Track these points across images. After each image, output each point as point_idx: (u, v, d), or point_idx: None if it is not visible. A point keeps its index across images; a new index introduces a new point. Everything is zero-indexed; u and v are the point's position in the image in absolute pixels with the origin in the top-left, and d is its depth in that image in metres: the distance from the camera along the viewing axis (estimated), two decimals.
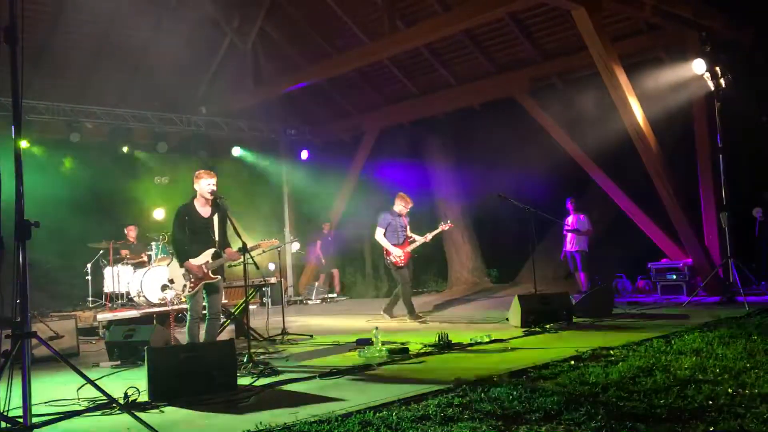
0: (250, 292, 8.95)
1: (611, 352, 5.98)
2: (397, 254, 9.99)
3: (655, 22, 11.00)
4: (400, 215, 10.23)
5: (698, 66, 9.89)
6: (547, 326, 7.99)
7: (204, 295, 6.80)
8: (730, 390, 4.27)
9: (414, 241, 10.26)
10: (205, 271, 6.73)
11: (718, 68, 9.70)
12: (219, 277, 6.85)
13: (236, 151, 14.83)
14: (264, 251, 7.46)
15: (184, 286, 6.71)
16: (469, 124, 14.97)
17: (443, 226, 10.38)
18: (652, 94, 10.80)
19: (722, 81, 9.69)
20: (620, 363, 5.43)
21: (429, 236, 10.30)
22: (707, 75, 9.79)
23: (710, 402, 4.02)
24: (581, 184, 13.18)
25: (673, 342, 6.40)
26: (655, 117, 10.84)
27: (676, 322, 7.89)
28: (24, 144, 11.27)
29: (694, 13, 10.75)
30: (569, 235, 12.27)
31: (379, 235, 10.12)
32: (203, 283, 6.73)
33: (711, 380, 4.59)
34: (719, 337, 6.37)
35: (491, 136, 13.96)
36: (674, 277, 11.08)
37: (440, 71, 14.22)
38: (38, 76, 12.38)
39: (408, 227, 10.31)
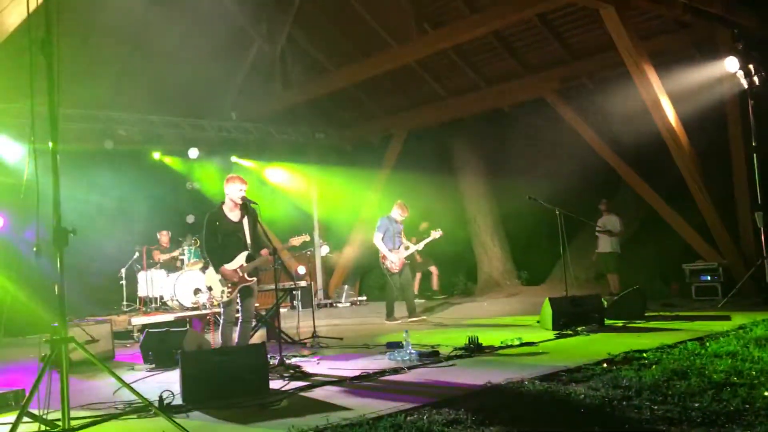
0: (281, 295, 9.03)
1: (644, 354, 5.91)
2: (392, 259, 10.45)
3: (686, 19, 10.84)
4: (396, 222, 10.66)
5: (731, 64, 9.75)
6: (579, 329, 7.93)
7: (238, 299, 6.89)
8: (766, 393, 4.20)
9: (408, 247, 10.70)
10: (241, 274, 6.81)
11: (751, 66, 9.54)
12: (255, 279, 6.93)
13: (265, 156, 14.96)
14: (295, 247, 7.51)
15: (223, 291, 6.80)
16: (498, 126, 14.91)
17: (435, 234, 10.83)
18: (683, 93, 10.65)
19: (755, 78, 9.52)
20: (653, 366, 5.37)
21: (421, 245, 10.84)
22: (740, 73, 9.63)
23: (746, 406, 3.96)
24: (613, 184, 13.05)
25: (707, 344, 6.31)
26: (687, 116, 10.70)
27: (710, 324, 7.76)
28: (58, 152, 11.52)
29: (725, 10, 10.57)
30: (601, 236, 12.16)
31: (378, 239, 10.56)
32: (240, 287, 6.82)
33: (747, 383, 4.52)
34: (755, 340, 6.26)
35: (521, 137, 13.90)
36: (709, 278, 10.90)
37: (468, 73, 14.17)
38: (72, 84, 12.61)
39: (402, 234, 10.75)
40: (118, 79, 13.87)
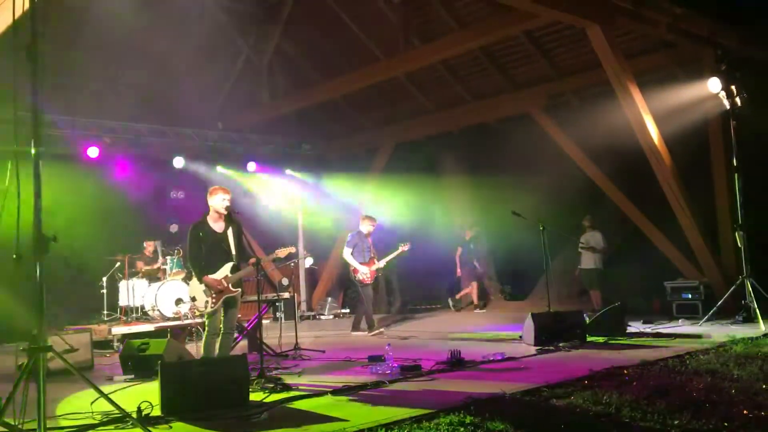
0: (264, 306, 8.98)
1: (625, 371, 5.94)
2: (364, 272, 10.73)
3: (670, 39, 10.99)
4: (366, 235, 10.94)
5: (713, 84, 9.86)
6: (561, 344, 7.95)
7: (222, 310, 6.85)
8: (745, 411, 4.23)
9: (377, 261, 10.96)
10: (225, 285, 6.78)
11: (733, 87, 9.67)
12: (239, 290, 6.91)
13: (251, 167, 14.89)
14: (280, 259, 7.49)
15: (206, 302, 6.75)
16: (484, 141, 14.98)
17: (402, 248, 11.04)
18: (667, 112, 10.76)
19: (738, 99, 9.65)
20: (634, 382, 5.39)
21: (383, 261, 11.06)
22: (723, 93, 9.75)
23: (725, 424, 3.98)
24: (596, 201, 13.13)
25: (688, 362, 6.35)
26: (670, 135, 10.80)
27: (691, 342, 7.82)
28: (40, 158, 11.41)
29: (710, 31, 10.74)
30: (584, 252, 12.22)
31: (347, 254, 10.85)
32: (225, 297, 6.79)
33: (726, 401, 4.55)
34: (735, 358, 6.31)
35: (507, 152, 13.96)
36: (690, 296, 10.97)
37: (456, 87, 14.26)
38: (56, 90, 12.53)
39: (372, 248, 10.98)
40: (104, 86, 13.80)
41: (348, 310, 15.50)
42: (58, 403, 5.69)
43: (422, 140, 15.71)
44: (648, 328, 9.54)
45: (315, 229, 16.36)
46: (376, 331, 10.72)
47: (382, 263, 11.06)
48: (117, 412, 4.67)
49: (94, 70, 13.38)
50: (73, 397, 6.05)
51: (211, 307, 6.73)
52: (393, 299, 16.33)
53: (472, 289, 14.74)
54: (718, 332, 8.61)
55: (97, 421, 4.87)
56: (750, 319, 9.24)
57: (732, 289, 9.72)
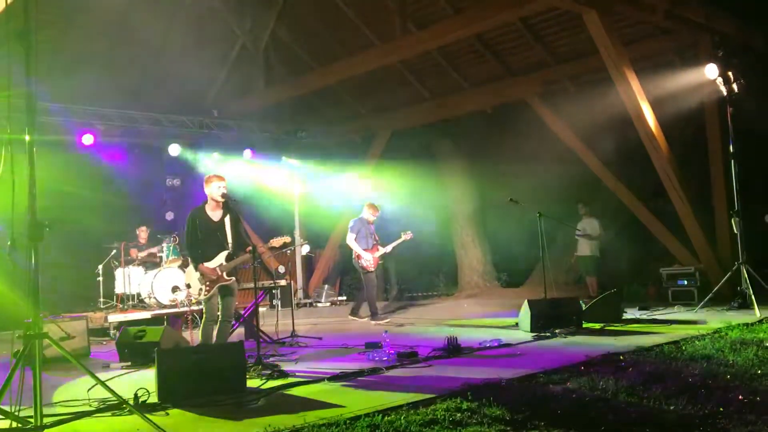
0: (261, 293, 8.98)
1: (621, 357, 5.96)
2: (367, 258, 10.70)
3: (667, 26, 10.95)
4: (368, 222, 10.96)
5: (710, 71, 9.84)
6: (557, 331, 7.97)
7: (218, 298, 6.85)
8: (740, 397, 4.25)
9: (380, 248, 10.95)
10: (219, 273, 6.78)
11: (730, 73, 9.65)
12: (233, 278, 6.90)
13: (247, 154, 14.84)
14: (276, 248, 7.48)
15: (200, 289, 6.76)
16: (481, 128, 14.96)
17: (405, 236, 11.06)
18: (664, 99, 10.75)
19: (735, 86, 9.63)
20: (630, 368, 5.41)
21: (389, 247, 11.06)
22: (720, 80, 9.73)
23: (721, 409, 4.00)
24: (593, 188, 13.14)
25: (683, 348, 6.37)
26: (667, 121, 10.79)
27: (686, 328, 7.84)
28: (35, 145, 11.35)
29: (707, 18, 10.70)
30: (580, 239, 12.23)
31: (351, 239, 10.84)
32: (218, 285, 6.78)
33: (722, 387, 4.56)
34: (730, 344, 6.33)
35: (503, 139, 13.95)
36: (686, 282, 11.01)
37: (452, 74, 14.21)
38: (50, 77, 12.46)
39: (375, 234, 11.01)
40: (99, 73, 13.71)
41: (345, 298, 15.53)
42: (54, 391, 5.68)
43: (419, 127, 15.67)
44: (644, 315, 9.57)
45: (311, 216, 16.35)
46: (382, 322, 10.51)
47: (387, 248, 11.01)
48: (114, 398, 4.67)
49: (89, 57, 13.29)
50: (69, 384, 6.04)
51: (205, 295, 6.74)
52: (390, 287, 16.35)
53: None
54: (713, 318, 8.65)
55: (93, 408, 4.87)
56: (745, 305, 9.27)
57: (728, 275, 9.75)
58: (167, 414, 4.72)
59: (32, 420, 4.09)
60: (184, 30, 12.99)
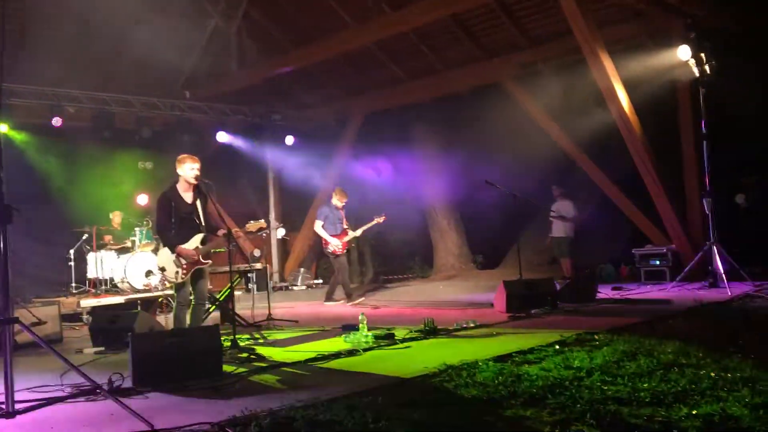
0: (236, 277, 8.93)
1: (595, 336, 6.01)
2: (335, 244, 10.85)
3: (641, 8, 11.00)
4: (337, 208, 11.08)
5: (683, 52, 9.93)
6: (532, 312, 8.04)
7: (191, 281, 6.77)
8: (712, 374, 4.31)
9: (350, 232, 11.09)
10: (197, 257, 6.69)
11: (702, 54, 9.74)
12: (209, 261, 6.83)
13: (221, 136, 14.66)
14: (252, 233, 7.41)
15: (177, 272, 6.66)
16: (456, 110, 14.92)
17: (377, 219, 11.19)
18: (637, 81, 10.82)
19: (707, 67, 9.73)
20: (604, 347, 5.47)
21: (359, 231, 11.22)
22: (692, 61, 9.83)
23: (693, 386, 4.06)
24: (567, 170, 13.21)
25: (656, 326, 6.46)
26: (640, 103, 10.87)
27: (659, 308, 7.95)
28: (4, 128, 11.12)
29: (680, 1, 10.75)
30: (555, 221, 12.32)
31: (318, 226, 11.02)
32: (195, 268, 6.70)
33: (694, 364, 4.63)
34: (702, 322, 6.43)
35: (479, 122, 13.94)
36: (658, 262, 11.16)
37: (428, 56, 14.13)
38: (19, 59, 12.19)
39: (344, 219, 11.13)
40: (69, 55, 13.43)
41: (321, 281, 15.50)
42: (25, 376, 5.59)
43: (394, 110, 15.58)
44: (617, 295, 9.69)
45: (286, 199, 16.27)
46: (357, 301, 10.85)
47: (358, 232, 11.16)
48: (87, 384, 4.61)
49: (58, 39, 13.00)
50: (42, 370, 5.95)
51: (182, 278, 6.65)
52: (366, 270, 16.36)
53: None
54: (685, 297, 8.78)
55: (67, 394, 4.81)
56: (716, 284, 9.43)
57: (699, 255, 9.90)
58: (147, 397, 4.67)
59: (4, 406, 4.03)
60: (156, 9, 12.72)
